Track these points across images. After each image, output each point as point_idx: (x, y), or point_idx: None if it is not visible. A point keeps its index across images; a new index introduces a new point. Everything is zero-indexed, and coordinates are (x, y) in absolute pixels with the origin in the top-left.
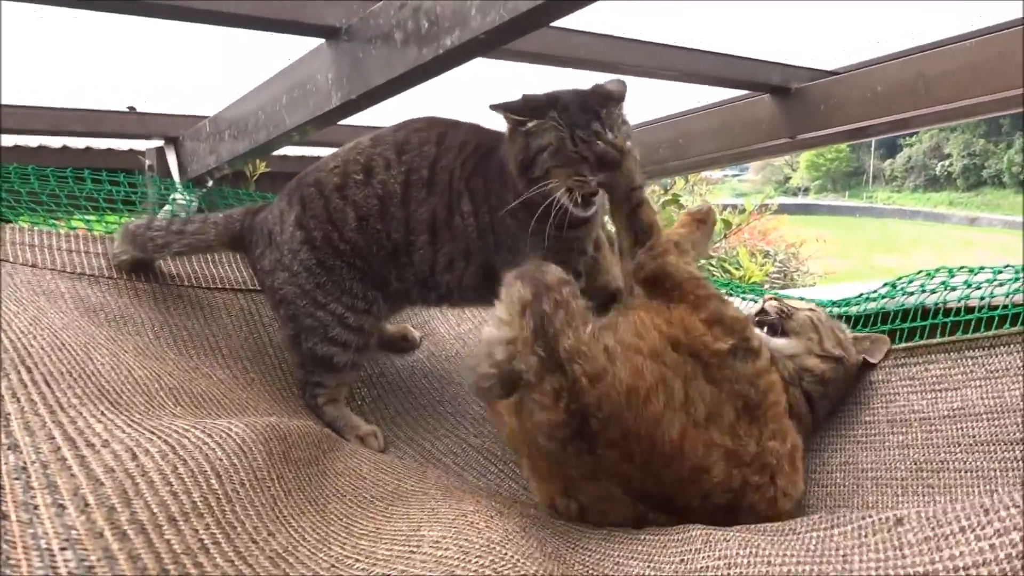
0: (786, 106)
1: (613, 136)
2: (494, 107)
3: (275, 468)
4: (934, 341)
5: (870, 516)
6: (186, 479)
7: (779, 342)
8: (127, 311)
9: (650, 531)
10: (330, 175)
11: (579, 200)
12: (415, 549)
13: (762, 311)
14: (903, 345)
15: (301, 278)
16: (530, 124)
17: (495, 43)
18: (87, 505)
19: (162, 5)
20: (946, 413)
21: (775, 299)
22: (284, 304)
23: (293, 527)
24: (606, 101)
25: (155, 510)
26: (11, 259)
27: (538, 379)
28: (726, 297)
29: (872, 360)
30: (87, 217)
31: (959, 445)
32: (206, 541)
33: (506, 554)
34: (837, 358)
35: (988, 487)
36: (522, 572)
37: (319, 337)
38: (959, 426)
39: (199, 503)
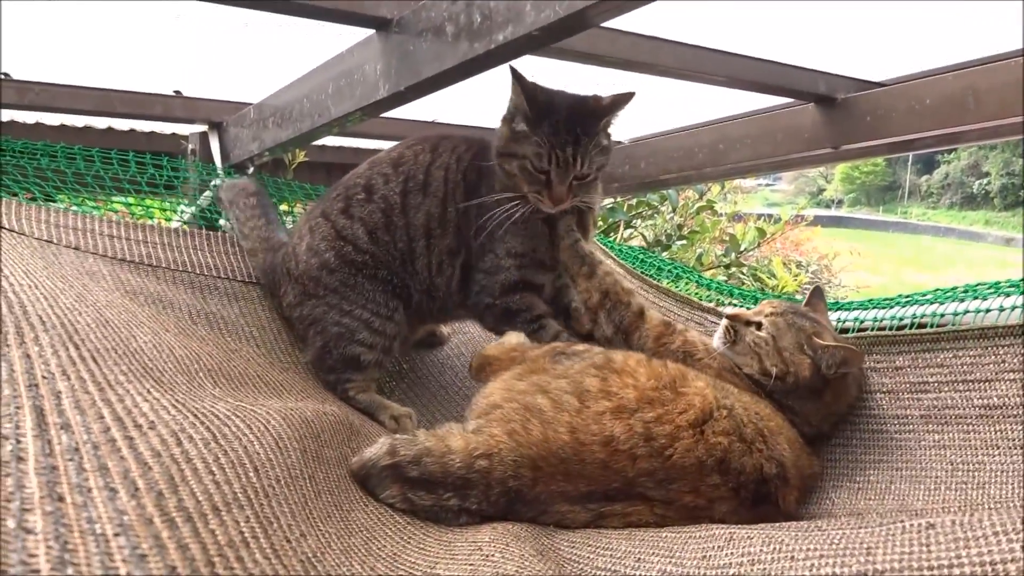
0: (831, 116)
1: (580, 167)
2: (515, 73)
3: (308, 467)
4: (963, 328)
5: (902, 520)
6: (227, 469)
7: (726, 353)
8: (166, 296)
9: (672, 528)
10: (333, 202)
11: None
12: None
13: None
14: (930, 331)
15: (329, 299)
16: (521, 127)
17: (548, 40)
18: (137, 490)
19: None
20: (981, 412)
21: (730, 320)
22: (312, 325)
23: (321, 531)
24: (592, 119)
25: (200, 498)
26: (55, 240)
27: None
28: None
29: (849, 369)
30: (128, 200)
31: (997, 448)
32: (246, 534)
33: None
34: (769, 374)
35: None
36: None
37: (346, 341)
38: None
39: (239, 495)
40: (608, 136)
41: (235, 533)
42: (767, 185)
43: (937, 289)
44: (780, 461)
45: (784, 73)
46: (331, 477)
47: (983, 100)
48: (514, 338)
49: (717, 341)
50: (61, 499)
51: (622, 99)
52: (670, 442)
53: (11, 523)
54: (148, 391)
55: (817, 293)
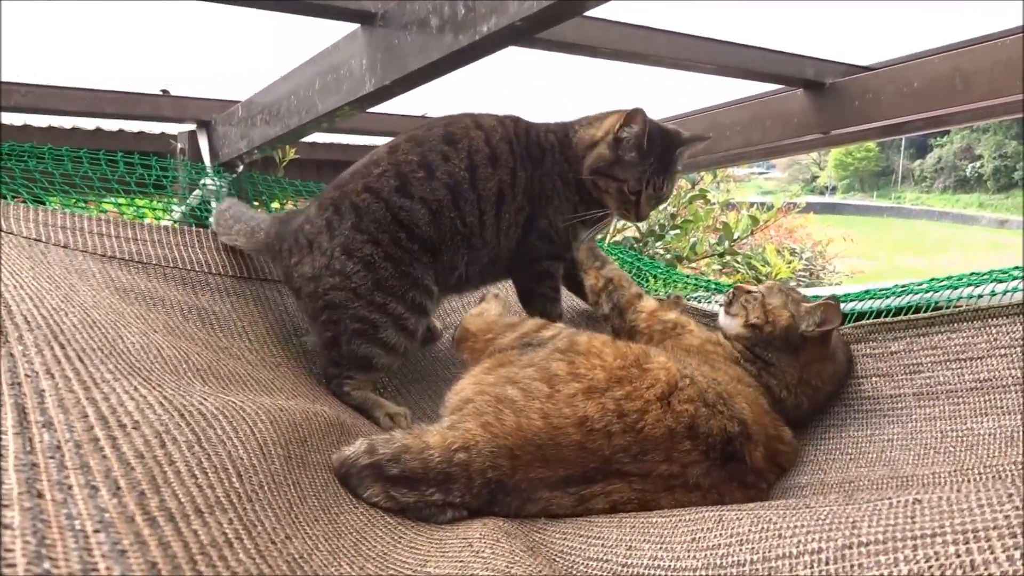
0: (820, 101)
1: (665, 192)
2: (643, 113)
3: (292, 473)
4: (958, 310)
5: (889, 497)
6: (210, 474)
7: (723, 321)
8: (156, 293)
9: (663, 513)
10: (382, 179)
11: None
12: None
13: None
14: (926, 315)
15: (356, 279)
16: (631, 156)
17: (533, 30)
18: (119, 488)
19: None
20: (972, 384)
21: (734, 290)
22: (327, 309)
23: (308, 534)
24: (678, 153)
25: (182, 500)
26: (44, 239)
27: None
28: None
29: (829, 327)
30: (118, 201)
31: (986, 415)
32: (230, 536)
33: None
34: (752, 325)
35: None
36: None
37: (364, 339)
38: (986, 397)
39: (222, 499)
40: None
41: (218, 534)
42: (760, 173)
43: (932, 279)
44: (740, 419)
45: (773, 59)
46: (318, 482)
47: (971, 81)
48: (492, 310)
49: (720, 308)
50: (40, 495)
51: (700, 137)
52: (641, 416)
53: None
54: (135, 388)
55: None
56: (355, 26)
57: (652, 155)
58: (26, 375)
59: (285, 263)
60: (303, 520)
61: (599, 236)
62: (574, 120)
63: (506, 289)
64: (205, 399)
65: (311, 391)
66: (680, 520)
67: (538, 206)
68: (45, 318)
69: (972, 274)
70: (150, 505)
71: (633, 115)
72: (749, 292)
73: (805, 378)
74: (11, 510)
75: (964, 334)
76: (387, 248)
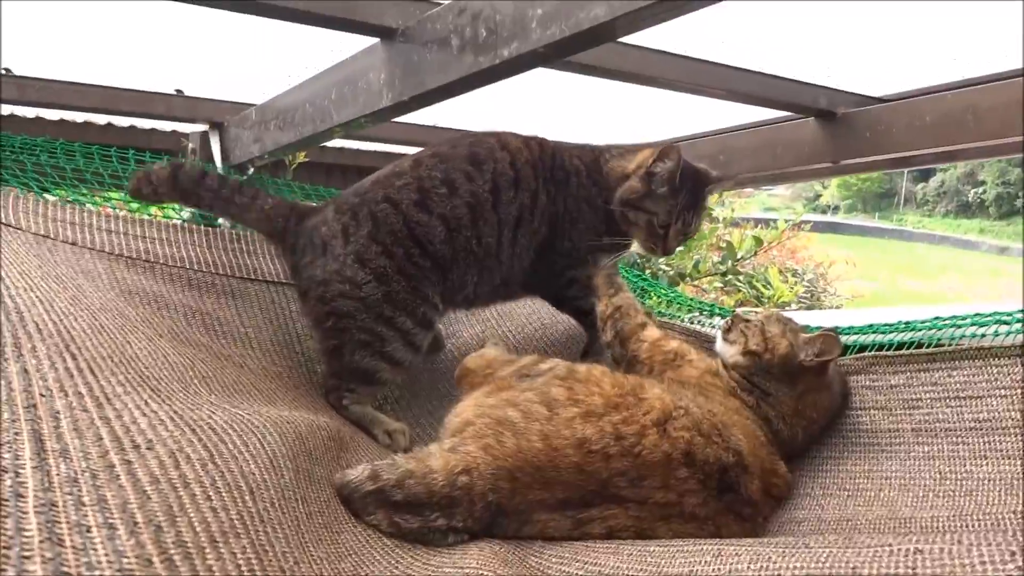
0: (831, 130)
1: (693, 228)
2: (671, 147)
3: (300, 487)
4: (960, 348)
5: (889, 543)
6: (224, 494)
7: (720, 348)
8: (161, 295)
9: (661, 542)
10: (403, 191)
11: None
12: None
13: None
14: (927, 351)
15: (367, 289)
16: (662, 191)
17: (553, 57)
18: (136, 524)
19: None
20: (971, 424)
21: (732, 317)
22: (333, 316)
23: (313, 556)
24: (706, 191)
25: (198, 529)
26: (52, 236)
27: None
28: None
29: (828, 357)
30: (126, 197)
31: (986, 458)
32: (243, 567)
33: None
34: (751, 352)
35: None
36: None
37: (369, 352)
38: (985, 438)
39: (236, 522)
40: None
41: (232, 567)
42: (765, 190)
43: (936, 318)
44: (736, 450)
45: (786, 87)
46: (321, 497)
47: (983, 118)
48: (491, 351)
49: (718, 332)
50: (60, 542)
51: (727, 177)
52: (638, 439)
53: (11, 573)
54: (146, 403)
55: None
56: (375, 40)
57: (683, 191)
58: (41, 394)
59: (296, 259)
60: (309, 540)
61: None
62: (603, 147)
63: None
64: (214, 412)
65: (312, 401)
66: (678, 551)
67: (560, 228)
68: (56, 324)
69: (976, 315)
70: (167, 541)
71: (667, 151)
72: (747, 321)
73: (801, 409)
74: (32, 562)
75: (965, 372)
76: (400, 262)
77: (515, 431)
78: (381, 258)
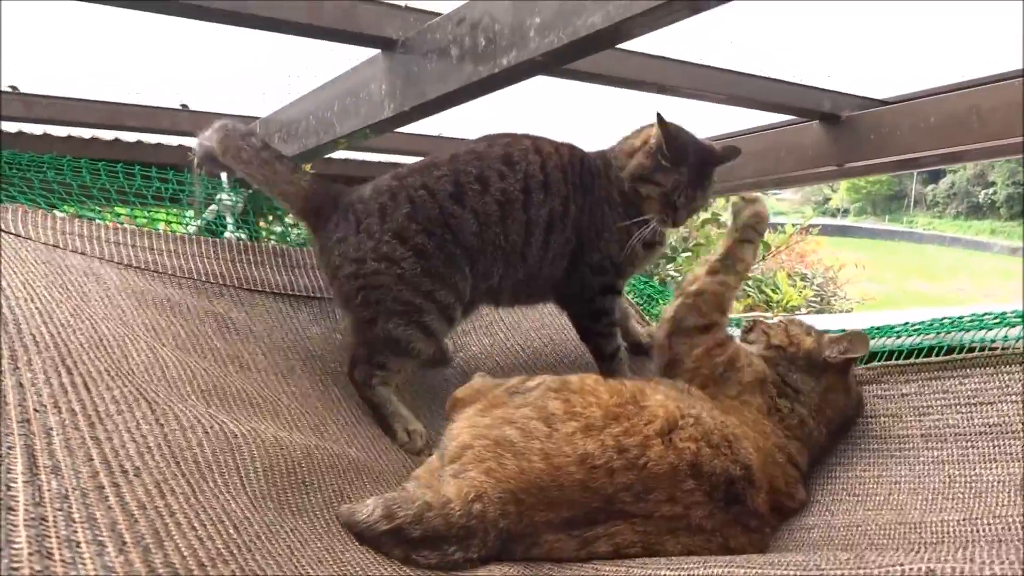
0: (835, 134)
1: (701, 203)
2: (662, 120)
3: (287, 522)
4: (970, 356)
5: (901, 563)
6: (208, 527)
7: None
8: (171, 297)
9: (670, 563)
10: (440, 182)
11: (657, 227)
12: None
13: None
14: (938, 359)
15: (406, 264)
16: (666, 162)
17: (551, 65)
18: (124, 544)
19: (228, 12)
20: (981, 429)
21: (752, 321)
22: (365, 290)
23: (311, 571)
24: (713, 167)
25: (185, 554)
26: (62, 246)
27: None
28: None
29: (853, 355)
30: (132, 213)
31: (995, 461)
32: None
33: None
34: (775, 346)
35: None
36: None
37: (405, 320)
38: (995, 442)
39: (223, 550)
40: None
41: None
42: (773, 194)
43: (944, 318)
44: (745, 464)
45: (789, 91)
46: (319, 524)
47: (987, 119)
48: (479, 381)
49: (736, 334)
50: (50, 555)
51: (732, 151)
52: (642, 451)
53: None
54: (138, 424)
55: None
56: (376, 51)
57: (686, 164)
58: (35, 409)
59: (325, 237)
60: (306, 562)
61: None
62: (611, 146)
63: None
64: (204, 438)
65: (316, 415)
66: (685, 573)
67: (589, 238)
68: (53, 336)
69: (985, 314)
70: (155, 562)
71: (667, 124)
72: (768, 324)
73: (822, 406)
74: (21, 574)
75: (976, 379)
76: (438, 241)
77: (515, 452)
78: (421, 235)
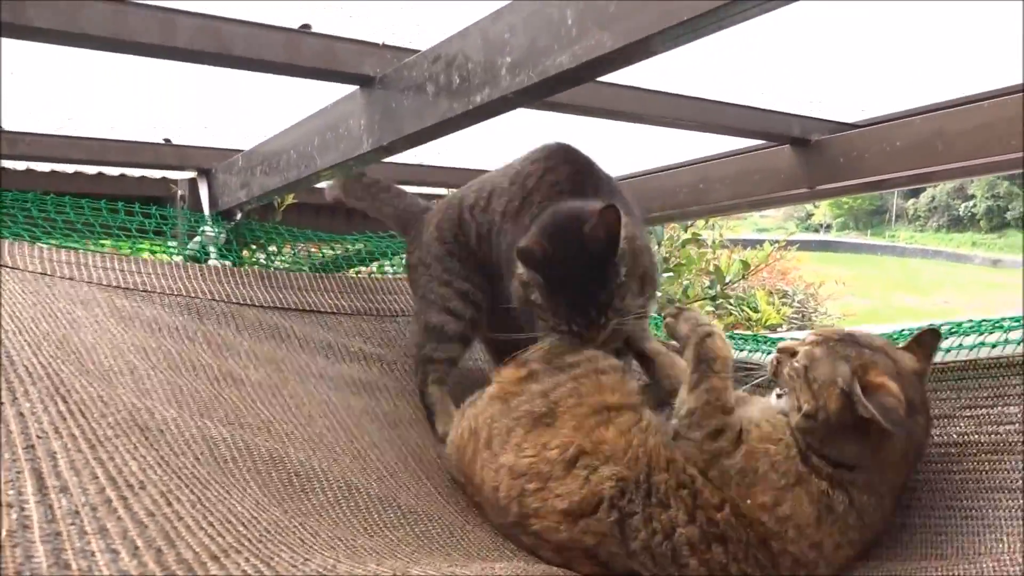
0: (806, 157)
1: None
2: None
3: (295, 519)
4: (981, 357)
5: None
6: (216, 525)
7: (773, 403)
8: (160, 318)
9: None
10: (470, 192)
11: None
12: None
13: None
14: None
15: (435, 269)
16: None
17: (524, 102)
18: (136, 548)
19: (208, 53)
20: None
21: (778, 353)
22: (418, 289)
23: (325, 555)
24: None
25: (197, 550)
26: (49, 273)
27: None
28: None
29: (889, 418)
30: (119, 245)
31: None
32: (250, 573)
33: None
34: (805, 415)
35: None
36: None
37: (436, 308)
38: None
39: (234, 543)
40: None
41: (238, 573)
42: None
43: (945, 323)
44: None
45: (759, 117)
46: (328, 519)
47: (953, 143)
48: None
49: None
50: (67, 567)
51: None
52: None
53: None
54: (135, 446)
55: (927, 337)
56: (354, 87)
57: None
58: (37, 436)
59: (410, 247)
60: (319, 547)
61: None
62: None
63: None
64: (198, 462)
65: (307, 432)
66: None
67: None
68: (44, 367)
69: (983, 321)
70: (168, 561)
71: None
72: (791, 357)
73: (880, 465)
74: None
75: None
76: (450, 243)
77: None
78: (436, 243)
